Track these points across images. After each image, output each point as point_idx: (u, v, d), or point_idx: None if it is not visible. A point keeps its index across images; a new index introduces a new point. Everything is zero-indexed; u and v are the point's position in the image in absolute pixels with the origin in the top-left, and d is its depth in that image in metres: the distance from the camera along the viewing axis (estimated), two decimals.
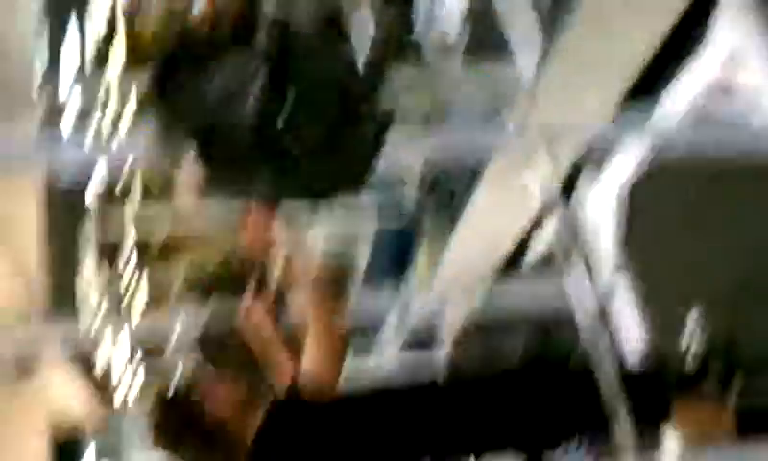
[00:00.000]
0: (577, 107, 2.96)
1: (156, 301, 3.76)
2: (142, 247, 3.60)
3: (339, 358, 1.81)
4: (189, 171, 1.43)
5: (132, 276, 3.94)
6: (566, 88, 2.76)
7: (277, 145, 1.43)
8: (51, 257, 5.86)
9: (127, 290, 4.00)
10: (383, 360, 5.18)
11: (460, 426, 2.00)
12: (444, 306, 3.11)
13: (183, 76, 1.44)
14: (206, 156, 1.40)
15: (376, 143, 1.47)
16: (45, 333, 3.84)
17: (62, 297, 6.31)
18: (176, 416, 1.93)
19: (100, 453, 7.81)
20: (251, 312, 2.10)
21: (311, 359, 1.86)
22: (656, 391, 2.11)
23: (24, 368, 5.64)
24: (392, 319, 4.68)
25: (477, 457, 2.06)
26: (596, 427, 1.92)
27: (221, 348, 2.64)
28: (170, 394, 1.96)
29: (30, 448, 5.85)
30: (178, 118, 1.41)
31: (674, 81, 2.62)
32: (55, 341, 3.12)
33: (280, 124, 1.43)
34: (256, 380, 2.05)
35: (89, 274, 5.36)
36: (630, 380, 1.79)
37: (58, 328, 3.74)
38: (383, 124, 1.47)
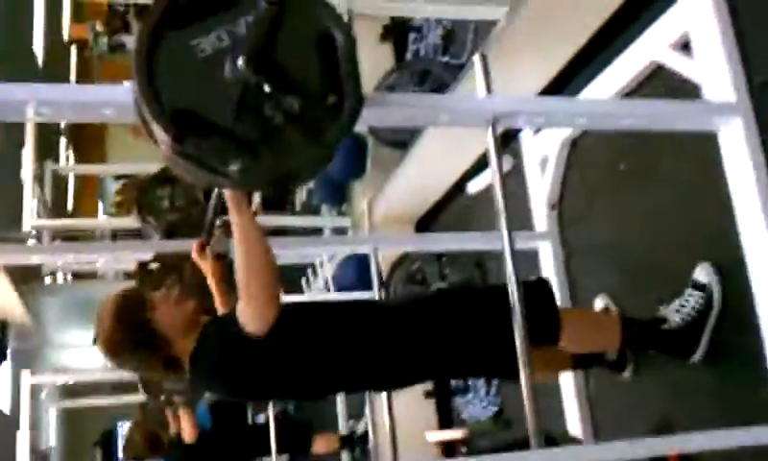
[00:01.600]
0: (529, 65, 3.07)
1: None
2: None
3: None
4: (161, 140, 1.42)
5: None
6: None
7: (258, 114, 1.47)
8: None
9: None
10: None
11: (382, 345, 2.15)
12: (377, 244, 3.21)
13: (171, 37, 1.46)
14: (184, 121, 1.42)
15: (353, 118, 1.52)
16: None
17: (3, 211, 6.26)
18: (125, 325, 2.07)
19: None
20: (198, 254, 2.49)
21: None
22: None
23: None
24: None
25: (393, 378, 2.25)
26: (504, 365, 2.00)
27: (177, 271, 2.84)
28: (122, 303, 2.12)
29: None
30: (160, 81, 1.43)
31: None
32: None
33: (266, 89, 1.46)
34: (200, 304, 2.25)
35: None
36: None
37: None
38: (359, 100, 1.52)
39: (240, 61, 1.43)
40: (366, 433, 5.32)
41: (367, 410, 5.04)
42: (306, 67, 1.51)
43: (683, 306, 2.52)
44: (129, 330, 2.06)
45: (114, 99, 1.57)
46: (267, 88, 1.43)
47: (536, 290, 2.27)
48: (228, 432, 5.83)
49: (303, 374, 2.09)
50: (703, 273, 2.52)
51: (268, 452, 4.94)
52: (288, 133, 1.45)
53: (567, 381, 3.15)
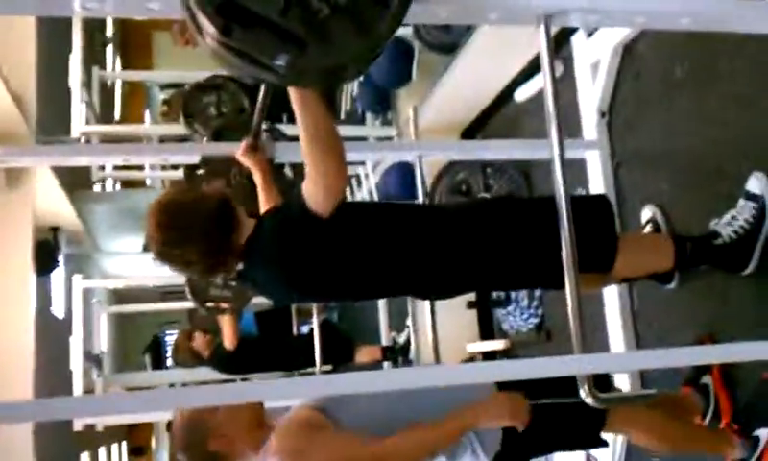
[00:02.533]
0: None
1: None
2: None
3: None
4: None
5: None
6: None
7: (305, 6, 1.44)
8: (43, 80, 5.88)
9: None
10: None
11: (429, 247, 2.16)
12: (422, 151, 3.17)
13: None
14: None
15: (402, 10, 1.48)
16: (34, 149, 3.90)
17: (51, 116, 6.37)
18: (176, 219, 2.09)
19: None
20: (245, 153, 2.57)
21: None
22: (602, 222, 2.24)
23: (13, 177, 5.81)
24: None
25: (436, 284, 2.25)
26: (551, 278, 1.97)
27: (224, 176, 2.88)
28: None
29: (16, 246, 6.17)
30: None
31: None
32: (42, 154, 3.20)
33: None
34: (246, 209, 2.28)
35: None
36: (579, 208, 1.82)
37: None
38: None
39: None
40: (407, 344, 5.40)
41: (409, 321, 5.16)
42: None
43: (734, 219, 2.46)
44: (179, 223, 2.07)
45: None
46: None
47: (595, 211, 2.24)
48: (272, 341, 5.97)
49: (355, 266, 2.11)
50: (756, 183, 2.45)
51: (312, 362, 5.03)
52: (335, 25, 1.41)
53: (611, 293, 3.13)
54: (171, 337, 10.63)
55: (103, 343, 8.28)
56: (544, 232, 1.96)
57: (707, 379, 2.64)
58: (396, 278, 2.20)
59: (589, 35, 3.21)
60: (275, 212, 2.27)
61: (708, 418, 2.64)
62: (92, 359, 6.54)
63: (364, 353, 5.94)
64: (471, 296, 4.62)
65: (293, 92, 1.85)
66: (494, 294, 4.39)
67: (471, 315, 4.61)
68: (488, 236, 2.19)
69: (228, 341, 5.28)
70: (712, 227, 2.52)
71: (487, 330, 4.62)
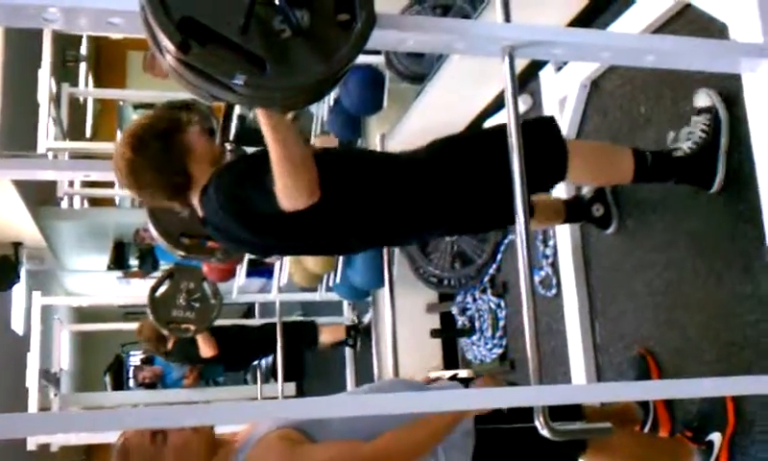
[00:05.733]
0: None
1: None
2: None
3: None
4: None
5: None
6: None
7: (267, 27, 1.43)
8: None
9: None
10: None
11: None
12: None
13: None
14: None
15: (364, 37, 1.47)
16: None
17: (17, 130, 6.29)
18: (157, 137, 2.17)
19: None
20: None
21: None
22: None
23: None
24: None
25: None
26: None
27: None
28: None
29: None
30: None
31: None
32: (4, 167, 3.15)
33: (276, 1, 1.41)
34: None
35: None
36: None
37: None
38: (371, 19, 1.48)
39: None
40: (369, 325, 5.44)
41: (370, 299, 5.19)
42: None
43: (691, 133, 2.47)
44: (158, 124, 2.16)
45: (124, 8, 1.53)
46: (277, 0, 1.39)
47: (538, 128, 2.27)
48: (236, 334, 6.00)
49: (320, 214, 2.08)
50: (704, 97, 2.47)
51: (274, 348, 5.31)
52: (296, 47, 1.41)
53: (573, 327, 3.14)
54: (134, 358, 10.51)
55: (63, 361, 8.14)
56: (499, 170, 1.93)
57: None
58: (366, 227, 2.23)
59: (558, 69, 3.24)
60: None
61: (647, 427, 2.69)
62: (50, 377, 6.42)
63: (328, 333, 5.98)
64: (436, 324, 4.62)
65: (260, 113, 1.84)
66: (460, 323, 4.38)
67: (435, 343, 4.59)
68: (450, 177, 2.22)
69: (209, 352, 5.35)
70: (670, 144, 2.52)
71: (450, 359, 4.60)
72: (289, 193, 1.94)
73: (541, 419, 1.68)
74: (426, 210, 2.23)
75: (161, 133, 2.16)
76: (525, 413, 1.79)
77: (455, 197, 2.22)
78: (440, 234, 3.25)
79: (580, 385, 2.83)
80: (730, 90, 2.41)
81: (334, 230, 2.21)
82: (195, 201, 2.21)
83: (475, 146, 2.32)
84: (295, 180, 1.92)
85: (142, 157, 2.14)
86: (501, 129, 1.89)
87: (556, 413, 1.72)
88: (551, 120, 2.35)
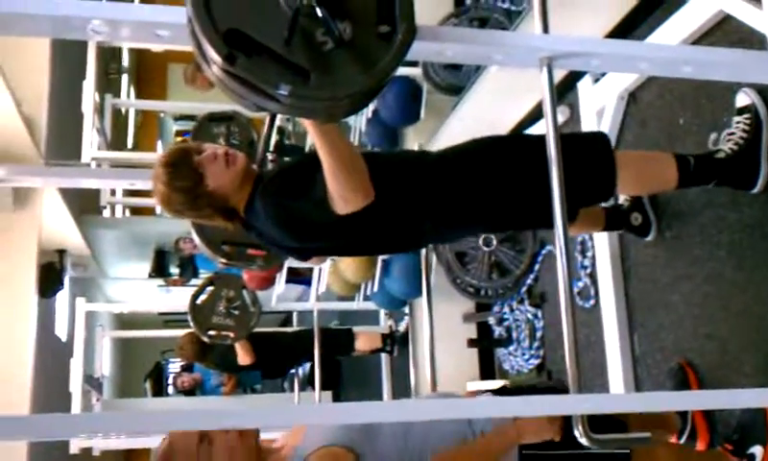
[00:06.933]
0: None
1: None
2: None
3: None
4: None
5: None
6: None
7: (309, 39, 1.46)
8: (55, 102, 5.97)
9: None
10: None
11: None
12: None
13: None
14: (239, 44, 1.42)
15: (404, 49, 1.50)
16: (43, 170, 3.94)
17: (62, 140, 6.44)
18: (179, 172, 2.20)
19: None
20: None
21: None
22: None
23: (20, 197, 5.87)
24: None
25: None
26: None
27: None
28: None
29: (21, 266, 6.22)
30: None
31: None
32: (50, 175, 3.24)
33: (319, 13, 1.45)
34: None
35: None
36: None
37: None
38: (412, 31, 1.51)
39: None
40: (406, 332, 5.45)
41: (407, 309, 5.20)
42: None
43: (732, 134, 2.45)
44: (179, 189, 2.18)
45: (170, 20, 1.58)
46: (320, 13, 1.43)
47: (590, 145, 2.29)
48: (273, 342, 6.06)
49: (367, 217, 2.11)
50: (743, 97, 2.46)
51: (311, 354, 5.33)
52: (339, 58, 1.44)
53: (612, 338, 3.13)
54: (173, 365, 10.64)
55: (105, 367, 8.27)
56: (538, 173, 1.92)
57: None
58: (408, 228, 2.26)
59: (596, 81, 3.24)
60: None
61: (684, 438, 2.66)
62: (93, 383, 6.53)
63: (364, 341, 6.00)
64: (472, 334, 4.62)
65: (309, 124, 1.87)
66: (497, 333, 4.39)
67: (472, 353, 4.60)
68: (489, 176, 2.24)
69: (248, 360, 5.41)
70: (711, 146, 2.50)
71: (488, 369, 4.60)
72: (346, 196, 1.98)
73: (581, 428, 1.68)
74: (466, 201, 2.25)
75: (185, 191, 2.19)
76: (572, 440, 1.79)
77: (496, 192, 2.24)
78: (485, 227, 3.23)
79: (618, 394, 2.81)
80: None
81: (394, 226, 2.24)
82: (241, 216, 2.25)
83: (519, 147, 2.33)
84: (350, 182, 1.96)
85: (176, 211, 2.24)
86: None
87: (598, 425, 1.72)
88: (603, 137, 2.36)
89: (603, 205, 3.04)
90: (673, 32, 2.70)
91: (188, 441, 1.92)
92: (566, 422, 2.02)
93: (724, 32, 2.56)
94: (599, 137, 2.37)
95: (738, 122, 2.45)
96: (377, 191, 2.03)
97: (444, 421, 1.94)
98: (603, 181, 2.26)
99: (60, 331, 8.07)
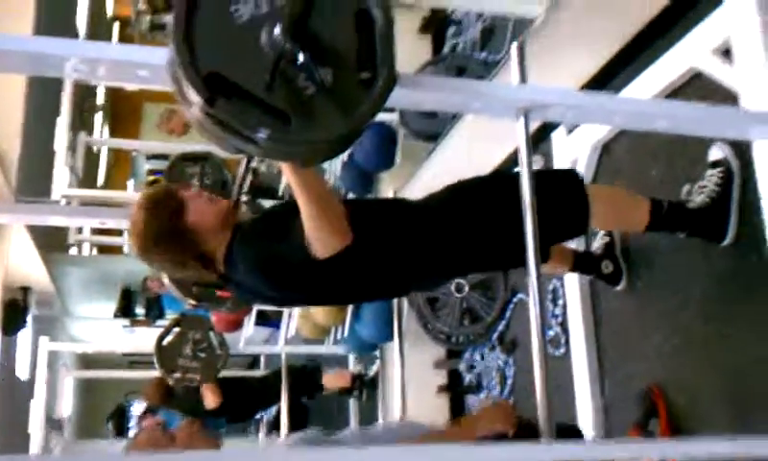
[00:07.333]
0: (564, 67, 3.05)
1: None
2: None
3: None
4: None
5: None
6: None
7: (291, 83, 1.47)
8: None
9: None
10: None
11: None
12: None
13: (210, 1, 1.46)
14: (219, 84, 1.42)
15: (385, 95, 1.51)
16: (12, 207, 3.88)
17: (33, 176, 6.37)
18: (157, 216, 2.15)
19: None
20: None
21: None
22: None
23: None
24: None
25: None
26: None
27: None
28: None
29: None
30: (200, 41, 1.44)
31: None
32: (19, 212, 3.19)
33: (300, 58, 1.45)
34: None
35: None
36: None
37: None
38: (392, 78, 1.52)
39: (277, 30, 1.43)
40: (376, 376, 5.40)
41: (377, 352, 5.16)
42: (342, 41, 1.50)
43: (703, 187, 2.50)
44: (160, 222, 2.12)
45: (150, 60, 1.57)
46: (302, 58, 1.43)
47: (562, 182, 2.31)
48: (241, 387, 5.98)
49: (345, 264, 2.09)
50: (717, 151, 2.51)
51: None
52: (319, 104, 1.45)
53: (582, 384, 3.13)
54: (136, 407, 10.45)
55: (66, 408, 8.10)
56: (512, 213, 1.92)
57: (654, 425, 2.69)
58: (389, 273, 2.24)
59: (569, 131, 3.29)
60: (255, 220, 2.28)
61: None
62: (54, 423, 6.39)
63: (332, 379, 5.91)
64: (443, 380, 4.60)
65: (286, 167, 1.87)
66: (467, 380, 4.37)
67: (442, 400, 4.57)
68: (464, 222, 2.25)
69: (214, 403, 5.33)
70: (684, 197, 2.54)
71: (457, 416, 4.58)
72: (323, 238, 1.96)
73: None
74: (441, 243, 2.25)
75: (163, 220, 2.15)
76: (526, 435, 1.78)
77: (469, 236, 2.25)
78: (460, 270, 3.23)
79: (592, 441, 2.80)
80: (742, 144, 2.44)
81: (374, 270, 2.22)
82: (218, 264, 2.21)
83: (492, 187, 2.36)
84: (327, 224, 1.94)
85: (152, 259, 2.20)
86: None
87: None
88: (575, 174, 2.40)
89: (575, 247, 3.06)
90: (648, 85, 2.75)
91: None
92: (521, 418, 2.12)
93: (697, 87, 2.62)
94: (571, 174, 2.41)
95: (711, 175, 2.50)
96: (356, 234, 2.03)
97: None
98: (576, 216, 2.28)
99: (21, 371, 7.91)
